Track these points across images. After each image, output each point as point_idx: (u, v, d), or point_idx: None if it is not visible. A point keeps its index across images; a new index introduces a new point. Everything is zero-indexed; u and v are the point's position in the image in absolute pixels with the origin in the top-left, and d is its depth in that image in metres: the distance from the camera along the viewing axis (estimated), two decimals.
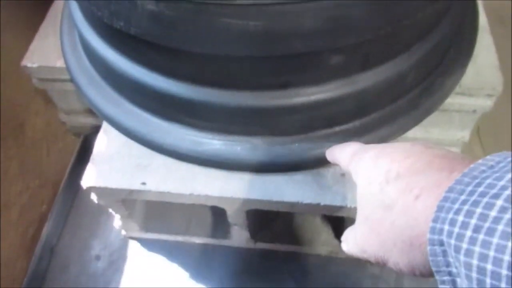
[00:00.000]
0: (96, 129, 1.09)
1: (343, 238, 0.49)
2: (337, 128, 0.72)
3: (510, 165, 0.28)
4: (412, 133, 0.94)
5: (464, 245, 0.26)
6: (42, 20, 1.03)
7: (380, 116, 0.74)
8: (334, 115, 0.70)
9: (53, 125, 1.14)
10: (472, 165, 0.30)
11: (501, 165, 0.29)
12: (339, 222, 0.92)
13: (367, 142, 0.72)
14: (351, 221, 0.79)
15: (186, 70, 0.66)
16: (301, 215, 0.97)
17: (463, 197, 0.28)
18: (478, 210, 0.26)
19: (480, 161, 0.31)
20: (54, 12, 1.00)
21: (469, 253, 0.26)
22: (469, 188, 0.28)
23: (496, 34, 1.19)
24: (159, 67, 0.68)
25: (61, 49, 0.90)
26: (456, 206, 0.28)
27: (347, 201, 0.71)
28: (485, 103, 0.83)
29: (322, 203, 0.72)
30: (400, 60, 0.68)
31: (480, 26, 0.86)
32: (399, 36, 0.64)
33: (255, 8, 0.51)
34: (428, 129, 0.94)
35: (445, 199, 0.29)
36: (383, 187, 0.37)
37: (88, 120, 1.08)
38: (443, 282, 0.29)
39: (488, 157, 0.31)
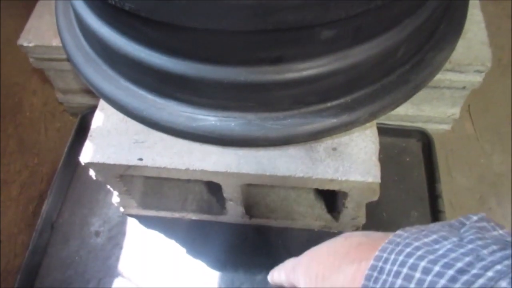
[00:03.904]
0: (93, 109, 1.10)
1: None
2: (329, 104, 0.74)
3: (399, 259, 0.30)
4: (403, 110, 0.96)
5: None
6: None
7: (371, 91, 0.75)
8: (326, 90, 0.72)
9: (51, 105, 1.16)
10: (377, 254, 0.32)
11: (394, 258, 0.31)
12: (331, 197, 0.94)
13: (358, 117, 0.75)
14: (343, 195, 0.82)
15: (181, 46, 0.67)
16: (294, 190, 0.99)
17: None
18: None
19: (386, 244, 0.33)
20: None
21: None
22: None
23: (487, 12, 1.20)
24: (154, 43, 0.69)
25: (57, 28, 0.90)
26: None
27: (338, 173, 0.73)
28: (475, 79, 0.85)
29: (314, 176, 0.74)
30: (391, 34, 0.69)
31: (470, 1, 0.87)
32: (390, 10, 0.65)
33: None
34: (420, 106, 0.96)
35: None
36: None
37: (85, 100, 1.09)
38: None
39: (393, 238, 0.33)
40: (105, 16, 0.71)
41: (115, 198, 0.94)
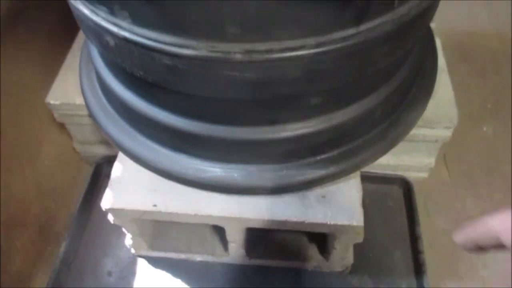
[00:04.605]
0: (106, 158, 1.22)
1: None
2: (318, 157, 0.86)
3: None
4: (385, 160, 1.08)
5: None
6: (58, 58, 1.18)
7: (355, 146, 0.88)
8: (315, 146, 0.84)
9: (67, 154, 1.27)
10: None
11: None
12: (322, 239, 1.05)
13: (344, 169, 0.87)
14: (332, 237, 0.92)
15: (193, 110, 0.80)
16: (290, 233, 1.09)
17: None
18: None
19: None
20: (73, 55, 1.14)
21: None
22: None
23: (459, 71, 1.36)
24: (170, 107, 0.81)
25: (80, 88, 1.03)
26: None
27: (327, 218, 0.84)
28: (444, 134, 0.98)
29: (306, 221, 0.85)
30: (369, 99, 0.82)
31: (439, 67, 1.02)
32: (366, 80, 0.78)
33: (249, 63, 0.65)
34: (399, 157, 1.09)
35: None
36: None
37: (100, 150, 1.21)
38: None
39: None
40: (129, 83, 0.84)
41: (128, 240, 1.04)
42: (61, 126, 1.26)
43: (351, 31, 0.63)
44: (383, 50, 0.70)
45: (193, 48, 0.63)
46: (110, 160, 1.22)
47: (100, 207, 1.16)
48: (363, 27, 0.63)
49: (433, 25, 1.10)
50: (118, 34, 0.66)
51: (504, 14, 1.62)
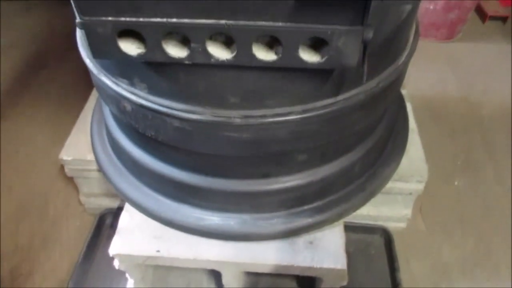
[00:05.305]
0: (109, 210, 1.31)
1: None
2: (305, 207, 0.97)
3: None
4: (366, 211, 1.19)
5: None
6: (66, 118, 1.31)
7: (338, 197, 0.99)
8: (303, 197, 0.95)
9: (72, 205, 1.36)
10: None
11: None
12: (310, 283, 1.13)
13: (328, 217, 0.97)
14: (319, 280, 1.01)
15: (195, 165, 0.91)
16: (280, 277, 1.17)
17: None
18: None
19: None
20: (84, 115, 1.26)
21: None
22: None
23: (431, 131, 1.51)
24: (175, 162, 0.93)
25: (91, 145, 1.15)
26: None
27: (314, 262, 0.94)
28: (417, 187, 1.10)
29: (295, 264, 0.94)
30: (348, 156, 0.95)
31: (410, 128, 1.16)
32: (345, 140, 0.91)
33: (246, 126, 0.78)
34: (379, 208, 1.20)
35: None
36: None
37: (104, 202, 1.30)
38: None
39: None
40: (139, 142, 0.96)
41: (130, 284, 1.11)
42: (67, 181, 1.36)
43: (330, 100, 0.77)
44: (358, 115, 0.84)
45: (200, 113, 0.76)
46: (112, 212, 1.32)
47: (102, 256, 1.25)
48: (340, 97, 0.77)
49: (404, 91, 1.26)
50: (136, 101, 0.79)
51: (471, 79, 1.81)
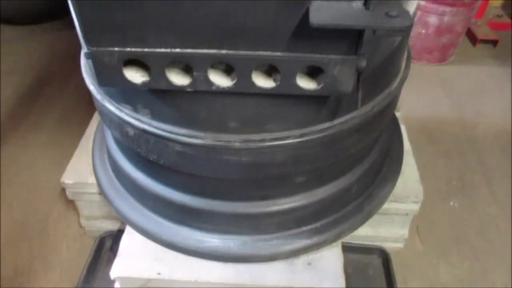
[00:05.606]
0: (109, 232, 1.32)
1: None
2: (304, 228, 0.99)
3: None
4: (364, 231, 1.21)
5: None
6: (67, 141, 1.33)
7: (334, 218, 1.01)
8: (301, 219, 0.97)
9: (73, 228, 1.37)
10: None
11: None
12: None
13: (326, 238, 0.99)
14: None
15: (196, 187, 0.93)
16: None
17: None
18: None
19: None
20: (86, 139, 1.28)
21: None
22: None
23: (427, 151, 1.54)
24: (176, 185, 0.95)
25: (93, 168, 1.17)
26: None
27: (312, 282, 0.95)
28: (413, 208, 1.12)
29: (295, 285, 0.95)
30: (345, 178, 0.97)
31: (405, 150, 1.19)
32: (342, 163, 0.94)
33: (246, 150, 0.80)
34: (376, 229, 1.21)
35: None
36: None
37: (104, 225, 1.31)
38: None
39: None
40: (141, 166, 0.98)
41: None
42: (68, 204, 1.37)
43: (327, 124, 0.80)
44: (354, 138, 0.86)
45: (201, 138, 0.78)
46: (112, 234, 1.33)
47: (102, 279, 1.25)
48: (336, 121, 0.80)
49: (398, 113, 1.29)
50: (139, 127, 0.81)
51: (464, 101, 1.86)
